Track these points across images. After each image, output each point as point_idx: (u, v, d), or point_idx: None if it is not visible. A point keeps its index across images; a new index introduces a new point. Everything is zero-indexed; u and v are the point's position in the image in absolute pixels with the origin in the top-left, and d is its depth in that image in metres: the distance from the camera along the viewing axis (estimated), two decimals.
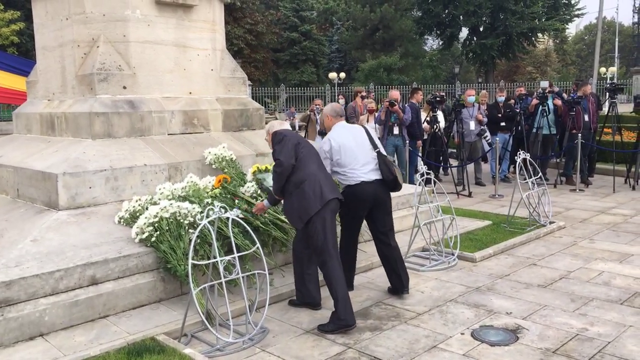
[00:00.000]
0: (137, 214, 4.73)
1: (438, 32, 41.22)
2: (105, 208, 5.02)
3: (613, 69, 40.32)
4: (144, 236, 4.48)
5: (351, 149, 4.60)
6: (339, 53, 47.76)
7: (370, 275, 5.29)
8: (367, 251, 5.75)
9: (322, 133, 11.00)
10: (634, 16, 45.06)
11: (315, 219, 4.16)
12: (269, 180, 5.32)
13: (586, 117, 10.01)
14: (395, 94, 9.56)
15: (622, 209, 8.12)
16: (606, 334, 3.94)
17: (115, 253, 4.40)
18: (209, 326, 3.77)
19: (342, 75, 38.63)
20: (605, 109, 11.22)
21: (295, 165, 4.24)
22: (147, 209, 4.67)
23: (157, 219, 4.48)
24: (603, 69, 37.41)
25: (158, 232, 4.46)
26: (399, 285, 4.76)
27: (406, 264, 5.47)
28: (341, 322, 4.02)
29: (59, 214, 4.81)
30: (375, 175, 4.59)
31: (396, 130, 9.31)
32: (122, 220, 4.81)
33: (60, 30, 5.96)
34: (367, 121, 10.01)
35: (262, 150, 6.30)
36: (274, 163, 5.73)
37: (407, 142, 9.28)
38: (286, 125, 4.71)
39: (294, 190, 4.26)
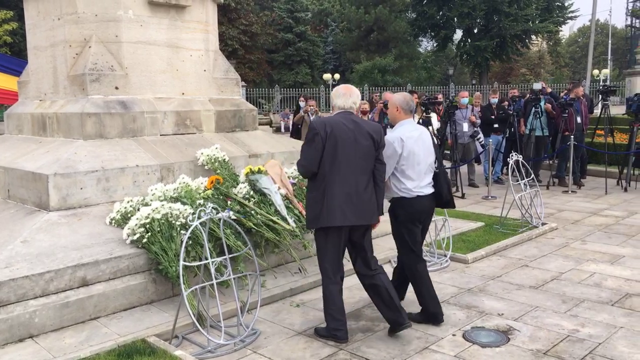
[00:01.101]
0: (129, 215, 4.71)
1: (432, 33, 41.32)
2: (97, 209, 4.99)
3: (606, 71, 40.55)
4: (135, 237, 4.47)
5: (418, 158, 4.13)
6: (334, 54, 47.78)
7: None
8: None
9: None
10: (627, 19, 45.39)
11: (318, 231, 3.92)
12: (261, 182, 5.32)
13: (578, 119, 10.06)
14: (388, 95, 9.56)
15: (614, 211, 8.15)
16: (597, 335, 3.96)
17: (106, 254, 4.38)
18: (200, 328, 3.75)
19: (337, 76, 38.65)
20: (598, 110, 11.27)
21: (316, 172, 3.82)
22: (138, 210, 4.65)
23: (148, 220, 4.46)
24: (596, 71, 37.59)
25: (149, 234, 4.44)
26: (435, 307, 4.24)
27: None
28: (333, 333, 3.91)
29: (50, 214, 4.78)
30: (430, 189, 4.22)
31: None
32: (113, 221, 4.79)
33: (52, 30, 5.93)
34: None
35: (255, 152, 6.29)
36: (268, 163, 5.75)
37: None
38: (352, 99, 3.93)
39: (308, 191, 3.96)
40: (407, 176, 4.11)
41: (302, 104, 11.69)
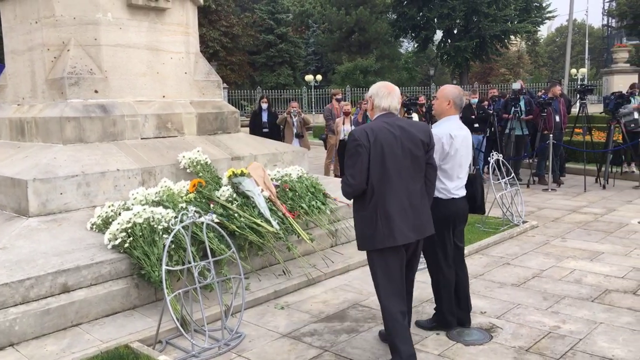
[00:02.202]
0: (110, 220, 4.66)
1: (413, 34, 41.59)
2: (77, 214, 4.94)
3: (584, 70, 41.22)
4: (116, 242, 4.42)
5: (463, 158, 3.85)
6: (315, 55, 47.84)
7: (347, 277, 5.30)
8: (343, 253, 5.77)
9: (299, 135, 11.01)
10: (603, 18, 46.16)
11: (374, 254, 3.40)
12: (244, 184, 5.30)
13: (557, 118, 10.20)
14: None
15: (593, 208, 8.28)
16: (578, 331, 4.01)
17: (88, 260, 4.33)
18: (183, 332, 3.73)
19: (319, 77, 38.71)
20: (576, 109, 11.45)
21: (366, 188, 3.32)
22: (119, 214, 4.61)
23: (130, 225, 4.41)
24: (574, 70, 38.17)
25: (131, 238, 4.39)
26: (462, 317, 4.08)
27: None
28: None
29: (29, 220, 4.72)
30: (464, 191, 3.94)
31: None
32: (94, 226, 4.74)
33: (29, 34, 5.86)
34: (343, 123, 10.06)
35: (237, 154, 6.27)
36: (250, 165, 5.74)
37: None
38: (395, 99, 3.45)
39: (355, 207, 3.46)
40: (449, 176, 3.81)
41: (264, 105, 11.18)
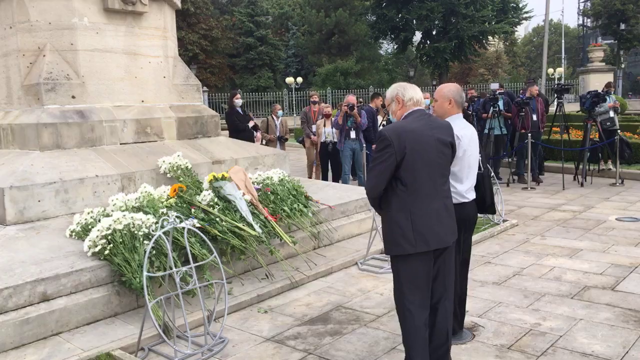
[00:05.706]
0: (89, 227, 4.61)
1: (392, 36, 41.76)
2: (56, 222, 4.87)
3: (560, 70, 41.79)
4: (96, 249, 4.37)
5: (472, 158, 3.68)
6: (296, 58, 47.80)
7: (330, 279, 5.31)
8: (326, 255, 5.78)
9: (281, 139, 11.00)
10: (578, 18, 46.91)
11: (403, 259, 3.18)
12: (226, 188, 5.28)
13: (534, 117, 10.34)
14: (352, 98, 9.64)
15: (572, 206, 8.40)
16: (558, 328, 4.07)
17: (67, 268, 4.27)
18: (165, 339, 3.70)
19: (299, 79, 38.69)
20: (553, 108, 11.61)
21: (385, 188, 3.14)
22: (99, 221, 4.56)
23: (110, 231, 4.36)
24: (551, 70, 38.69)
25: (111, 245, 4.35)
26: (455, 326, 3.85)
27: (365, 267, 5.54)
28: None
29: (7, 229, 4.64)
30: (473, 194, 3.77)
31: (353, 135, 9.40)
32: (73, 233, 4.68)
33: (4, 40, 5.78)
34: (324, 125, 10.07)
35: (218, 158, 6.24)
36: (231, 169, 5.71)
37: (364, 146, 9.39)
38: (416, 90, 3.26)
39: (386, 211, 3.22)
40: (459, 178, 3.61)
41: (238, 101, 10.17)
